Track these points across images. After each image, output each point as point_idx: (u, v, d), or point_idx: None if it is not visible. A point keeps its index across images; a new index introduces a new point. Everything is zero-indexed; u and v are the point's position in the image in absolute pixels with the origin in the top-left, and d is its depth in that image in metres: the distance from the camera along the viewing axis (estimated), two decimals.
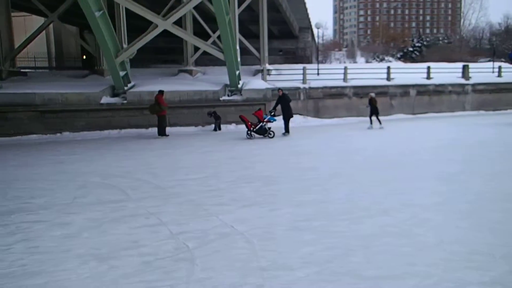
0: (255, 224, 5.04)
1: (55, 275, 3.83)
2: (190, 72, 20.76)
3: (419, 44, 68.85)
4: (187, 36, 17.82)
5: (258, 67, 21.87)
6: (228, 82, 17.45)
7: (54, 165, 9.39)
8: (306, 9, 35.72)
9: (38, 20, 28.45)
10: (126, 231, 4.95)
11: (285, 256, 4.09)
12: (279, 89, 14.86)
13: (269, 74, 20.21)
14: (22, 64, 25.10)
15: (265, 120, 13.27)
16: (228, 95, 17.27)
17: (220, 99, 16.80)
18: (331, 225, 4.98)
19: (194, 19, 20.89)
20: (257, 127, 13.25)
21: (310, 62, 36.33)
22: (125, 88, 16.24)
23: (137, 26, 20.81)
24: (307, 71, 19.00)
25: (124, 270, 3.92)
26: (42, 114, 14.95)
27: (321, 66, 22.44)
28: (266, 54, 22.40)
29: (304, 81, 18.82)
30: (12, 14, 20.13)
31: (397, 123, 16.84)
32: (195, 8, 18.08)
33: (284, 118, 13.80)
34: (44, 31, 23.85)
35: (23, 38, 20.61)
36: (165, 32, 16.00)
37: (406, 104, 20.08)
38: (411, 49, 68.57)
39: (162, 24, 15.60)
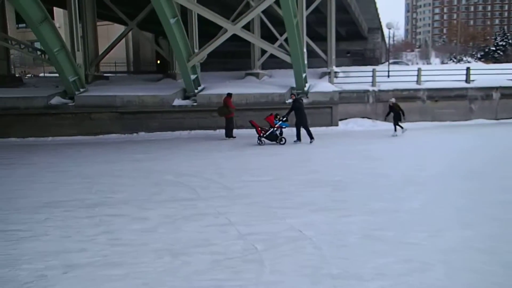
0: (325, 230, 4.93)
1: (134, 267, 4.07)
2: (256, 75, 21.08)
3: (503, 43, 63.04)
4: (255, 39, 18.11)
5: (324, 69, 21.55)
6: (294, 85, 17.39)
7: (132, 162, 10.06)
8: (376, 9, 34.53)
9: (119, 28, 30.77)
10: (197, 229, 5.12)
11: (357, 266, 3.94)
12: (292, 93, 14.48)
13: (336, 77, 19.80)
14: (105, 69, 27.27)
15: (276, 125, 12.79)
16: (291, 97, 17.19)
17: (286, 101, 16.77)
18: (406, 236, 4.71)
19: (262, 22, 21.18)
20: (267, 133, 12.80)
21: (379, 63, 34.97)
22: (196, 91, 16.90)
23: (207, 31, 21.60)
24: (377, 73, 18.29)
25: (196, 267, 4.05)
26: (121, 115, 16.10)
27: (391, 67, 21.48)
28: (333, 56, 21.99)
29: (373, 83, 18.14)
30: (97, 23, 22.01)
31: (478, 129, 15.55)
32: (262, 12, 18.31)
33: (296, 125, 13.07)
34: (124, 38, 25.73)
35: (106, 45, 22.44)
36: (233, 37, 16.40)
37: (488, 108, 18.43)
38: (493, 48, 63.03)
39: (232, 28, 16.01)
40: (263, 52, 21.11)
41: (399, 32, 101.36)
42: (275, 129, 12.75)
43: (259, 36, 19.72)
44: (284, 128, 12.95)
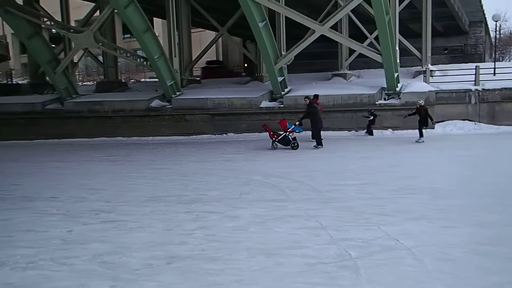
0: (425, 240, 4.60)
1: (229, 263, 4.23)
2: (344, 76, 20.57)
3: None
4: (343, 39, 17.69)
5: (419, 68, 20.21)
6: (384, 85, 16.59)
7: (223, 162, 10.53)
8: (479, 0, 31.27)
9: (210, 35, 32.46)
10: (288, 231, 5.14)
11: (465, 283, 3.60)
12: (305, 97, 13.95)
13: (432, 76, 18.42)
14: (197, 73, 28.93)
15: (289, 130, 12.42)
16: (385, 99, 16.40)
17: (376, 103, 16.08)
18: None
19: (350, 21, 20.60)
20: (279, 137, 12.47)
21: (482, 60, 31.61)
22: (282, 93, 17.08)
23: (294, 33, 21.67)
24: (480, 71, 16.56)
25: (289, 269, 4.06)
26: (212, 117, 16.96)
27: (498, 64, 19.28)
28: (429, 53, 20.52)
29: (476, 82, 16.47)
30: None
31: None
32: (351, 10, 17.80)
33: (313, 129, 12.77)
34: (214, 44, 27.06)
35: (198, 51, 23.83)
36: (320, 38, 16.22)
37: None
38: None
39: (319, 29, 15.85)
40: (351, 52, 20.53)
41: (508, 25, 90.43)
42: (288, 133, 12.45)
43: (347, 35, 19.21)
44: (298, 132, 12.70)
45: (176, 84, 17.92)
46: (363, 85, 17.82)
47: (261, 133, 16.28)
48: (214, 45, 33.12)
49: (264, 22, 15.57)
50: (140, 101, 17.67)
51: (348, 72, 20.97)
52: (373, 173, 8.60)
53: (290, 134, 12.49)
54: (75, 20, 26.76)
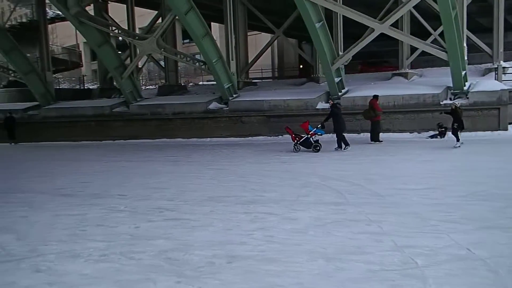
0: (500, 251, 4.25)
1: (289, 266, 4.21)
2: (405, 75, 19.72)
3: None
4: (405, 37, 16.96)
5: (489, 65, 18.80)
6: (450, 84, 15.63)
7: (279, 164, 10.55)
8: None
9: (265, 37, 32.72)
10: (349, 235, 5.01)
11: None
12: (329, 99, 13.69)
13: (504, 73, 17.06)
14: (253, 76, 29.36)
15: (310, 132, 12.29)
16: (451, 99, 15.44)
17: (441, 103, 15.20)
18: None
19: (412, 18, 19.68)
20: (301, 140, 12.40)
21: None
22: (339, 93, 16.74)
23: (351, 33, 21.18)
24: None
25: (350, 274, 3.96)
26: (268, 118, 17.08)
27: None
28: (501, 49, 19.02)
29: None
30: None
31: None
32: (413, 6, 17.01)
33: (335, 132, 12.47)
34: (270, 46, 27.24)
35: (254, 53, 24.15)
36: (378, 36, 15.69)
37: None
38: None
39: (379, 28, 15.34)
40: (413, 50, 19.61)
41: None
42: (309, 136, 12.34)
43: (408, 32, 18.38)
44: (320, 135, 12.57)
45: (233, 86, 18.29)
46: (426, 84, 16.95)
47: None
48: (270, 47, 33.42)
49: (321, 23, 15.39)
50: (199, 103, 18.27)
51: (410, 71, 20.07)
52: (437, 177, 8.13)
53: (312, 137, 12.42)
54: (139, 28, 28.34)
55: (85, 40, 42.17)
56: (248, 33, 25.12)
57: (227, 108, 17.68)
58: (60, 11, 20.68)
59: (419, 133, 15.10)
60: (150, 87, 33.08)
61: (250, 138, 16.75)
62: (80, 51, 42.45)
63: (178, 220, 5.97)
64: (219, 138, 17.00)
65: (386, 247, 4.58)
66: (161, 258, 4.53)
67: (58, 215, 6.52)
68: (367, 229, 5.20)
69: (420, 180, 7.94)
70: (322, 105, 16.76)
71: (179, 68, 26.50)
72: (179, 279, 4.00)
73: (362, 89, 16.93)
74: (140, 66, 22.98)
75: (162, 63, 26.83)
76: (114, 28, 19.64)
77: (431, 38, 19.06)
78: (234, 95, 18.23)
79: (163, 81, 28.74)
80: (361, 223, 5.46)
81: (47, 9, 24.70)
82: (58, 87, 29.04)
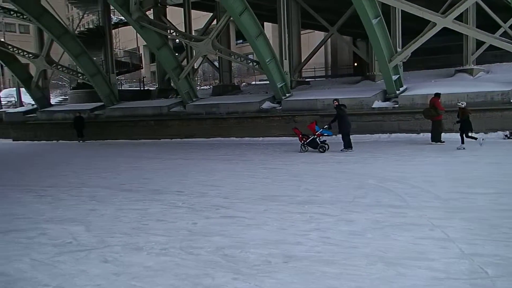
0: None
1: (347, 268, 4.12)
2: (470, 72, 18.47)
3: None
4: (471, 30, 15.89)
5: None
6: None
7: (334, 164, 10.35)
8: None
9: (319, 35, 32.29)
10: (410, 240, 4.79)
11: None
12: (334, 99, 13.33)
13: None
14: (305, 75, 29.09)
15: (317, 133, 12.60)
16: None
17: (511, 100, 14.05)
18: None
19: (478, 10, 18.36)
20: (308, 140, 12.75)
21: None
22: (397, 92, 16.07)
23: (409, 28, 20.23)
24: None
25: (413, 281, 3.78)
26: (322, 118, 16.76)
27: None
28: None
29: None
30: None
31: None
32: None
33: (340, 133, 12.60)
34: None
35: (307, 52, 23.89)
36: (440, 30, 14.82)
37: None
38: None
39: (441, 22, 14.52)
40: (479, 44, 18.30)
41: None
42: (316, 136, 12.65)
43: (474, 26, 17.18)
44: (326, 136, 12.81)
45: (286, 86, 18.24)
46: (494, 81, 15.76)
47: (372, 135, 15.65)
48: (323, 45, 32.91)
49: (378, 18, 14.88)
50: (252, 103, 18.45)
51: (475, 67, 18.76)
52: (508, 182, 7.52)
53: (319, 137, 12.68)
54: (195, 30, 29.22)
55: (145, 43, 44.31)
56: (301, 32, 24.92)
57: (280, 108, 17.67)
58: (123, 17, 21.90)
59: (485, 133, 14.05)
60: (205, 87, 33.99)
61: None
62: (141, 54, 44.70)
63: (234, 217, 6.07)
64: (272, 137, 17.03)
65: (452, 254, 4.33)
66: (218, 254, 4.64)
67: (122, 209, 6.92)
68: (431, 234, 4.94)
69: (486, 183, 7.41)
70: (378, 104, 16.20)
71: (232, 68, 26.92)
72: (235, 275, 4.07)
73: (422, 87, 16.11)
74: (196, 67, 23.65)
75: (216, 63, 27.46)
76: (172, 31, 20.42)
77: (500, 31, 17.67)
78: (287, 94, 18.17)
79: (217, 81, 29.39)
80: (423, 227, 5.20)
81: (111, 15, 26.28)
82: (120, 88, 30.79)
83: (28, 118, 24.68)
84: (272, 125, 17.60)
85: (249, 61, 19.74)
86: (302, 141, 12.98)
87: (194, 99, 20.43)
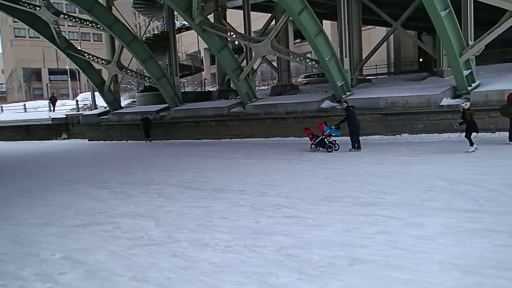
0: None
1: (417, 275, 3.92)
2: None
3: None
4: None
5: None
6: None
7: (399, 165, 9.92)
8: None
9: (380, 31, 31.09)
10: (488, 247, 4.45)
11: None
12: (343, 101, 14.09)
13: None
14: (366, 72, 28.16)
15: (325, 133, 13.07)
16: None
17: None
18: None
19: None
20: (317, 140, 13.27)
21: None
22: (469, 88, 14.99)
23: (481, 19, 18.74)
24: None
25: None
26: (385, 117, 16.19)
27: None
28: None
29: None
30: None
31: None
32: None
33: (350, 133, 12.86)
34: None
35: (367, 49, 23.11)
36: None
37: None
38: None
39: None
40: None
41: None
42: (325, 136, 13.11)
43: None
44: (335, 136, 13.17)
45: (346, 84, 17.83)
46: None
47: (441, 134, 14.77)
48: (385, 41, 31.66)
49: (447, 10, 14.00)
50: (311, 102, 18.27)
51: None
52: None
53: (328, 138, 13.12)
54: (254, 31, 29.63)
55: (206, 46, 45.69)
56: (362, 28, 24.16)
57: (341, 107, 17.26)
58: (186, 21, 22.81)
59: None
60: (263, 87, 34.31)
61: (364, 137, 16.05)
62: (202, 56, 46.25)
63: (296, 217, 6.06)
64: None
65: None
66: (281, 254, 4.66)
67: (187, 206, 7.21)
68: (511, 242, 4.54)
69: None
70: (447, 101, 15.23)
71: (291, 67, 26.85)
72: (300, 276, 4.06)
73: (497, 82, 14.89)
74: (255, 68, 23.94)
75: (274, 63, 27.58)
76: (231, 33, 20.87)
77: None
78: (348, 93, 17.74)
79: (275, 81, 29.50)
80: (503, 234, 4.80)
81: (175, 20, 27.50)
82: (183, 90, 32.10)
83: (102, 120, 26.64)
84: (332, 125, 17.23)
85: (308, 60, 19.56)
86: (312, 141, 13.44)
87: (253, 100, 20.70)
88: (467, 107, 11.59)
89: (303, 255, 4.60)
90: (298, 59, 19.96)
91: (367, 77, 24.03)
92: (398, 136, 15.52)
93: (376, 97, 16.57)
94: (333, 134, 13.18)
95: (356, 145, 12.79)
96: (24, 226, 6.59)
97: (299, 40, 44.00)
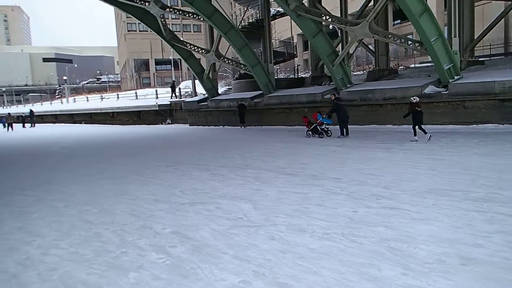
0: None
1: None
2: None
3: None
4: None
5: None
6: None
7: None
8: None
9: (496, 6, 27.42)
10: None
11: None
12: (332, 94, 16.26)
13: None
14: (478, 53, 25.22)
15: (318, 121, 15.07)
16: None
17: None
18: None
19: None
20: (312, 127, 15.37)
21: None
22: None
23: None
24: None
25: None
26: (501, 103, 14.38)
27: None
28: None
29: None
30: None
31: None
32: None
33: (338, 122, 14.69)
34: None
35: (481, 27, 20.59)
36: None
37: None
38: None
39: None
40: None
41: None
42: (317, 124, 15.17)
43: None
44: (327, 124, 15.22)
45: (454, 67, 16.20)
46: None
47: None
48: (503, 18, 27.92)
49: None
50: (413, 87, 17.02)
51: None
52: None
53: (320, 125, 15.14)
54: (349, 14, 28.47)
55: (298, 32, 45.30)
56: (475, 4, 21.56)
57: (447, 92, 15.80)
58: (282, 8, 22.81)
59: None
60: (358, 72, 32.89)
61: (474, 126, 14.55)
62: (295, 43, 46.05)
63: (397, 209, 5.76)
64: (435, 125, 15.40)
65: None
66: (383, 246, 4.49)
67: (283, 192, 7.33)
68: None
69: None
70: None
71: (389, 51, 25.26)
72: (404, 271, 3.87)
73: None
74: (351, 52, 23.08)
75: (371, 47, 26.22)
76: (327, 17, 20.33)
77: None
78: (456, 77, 16.10)
79: (371, 66, 28.05)
80: None
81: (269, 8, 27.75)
82: (276, 77, 32.46)
83: (201, 106, 28.35)
84: (436, 112, 15.91)
85: (410, 42, 18.18)
86: (308, 128, 15.48)
87: (348, 85, 20.03)
88: (414, 100, 12.37)
89: (407, 249, 4.37)
90: (399, 41, 18.64)
91: (480, 59, 21.49)
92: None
93: (491, 80, 14.76)
94: (324, 122, 15.20)
95: (344, 132, 14.55)
96: (139, 200, 7.38)
97: (398, 21, 41.10)
